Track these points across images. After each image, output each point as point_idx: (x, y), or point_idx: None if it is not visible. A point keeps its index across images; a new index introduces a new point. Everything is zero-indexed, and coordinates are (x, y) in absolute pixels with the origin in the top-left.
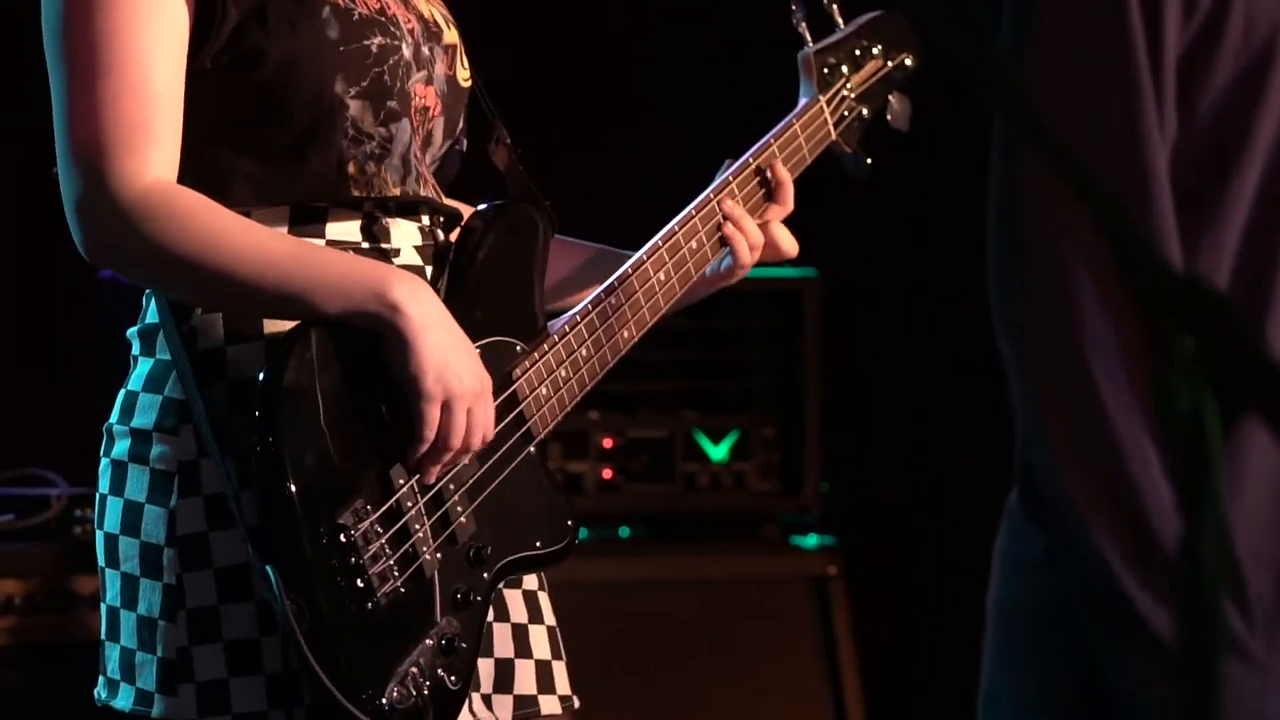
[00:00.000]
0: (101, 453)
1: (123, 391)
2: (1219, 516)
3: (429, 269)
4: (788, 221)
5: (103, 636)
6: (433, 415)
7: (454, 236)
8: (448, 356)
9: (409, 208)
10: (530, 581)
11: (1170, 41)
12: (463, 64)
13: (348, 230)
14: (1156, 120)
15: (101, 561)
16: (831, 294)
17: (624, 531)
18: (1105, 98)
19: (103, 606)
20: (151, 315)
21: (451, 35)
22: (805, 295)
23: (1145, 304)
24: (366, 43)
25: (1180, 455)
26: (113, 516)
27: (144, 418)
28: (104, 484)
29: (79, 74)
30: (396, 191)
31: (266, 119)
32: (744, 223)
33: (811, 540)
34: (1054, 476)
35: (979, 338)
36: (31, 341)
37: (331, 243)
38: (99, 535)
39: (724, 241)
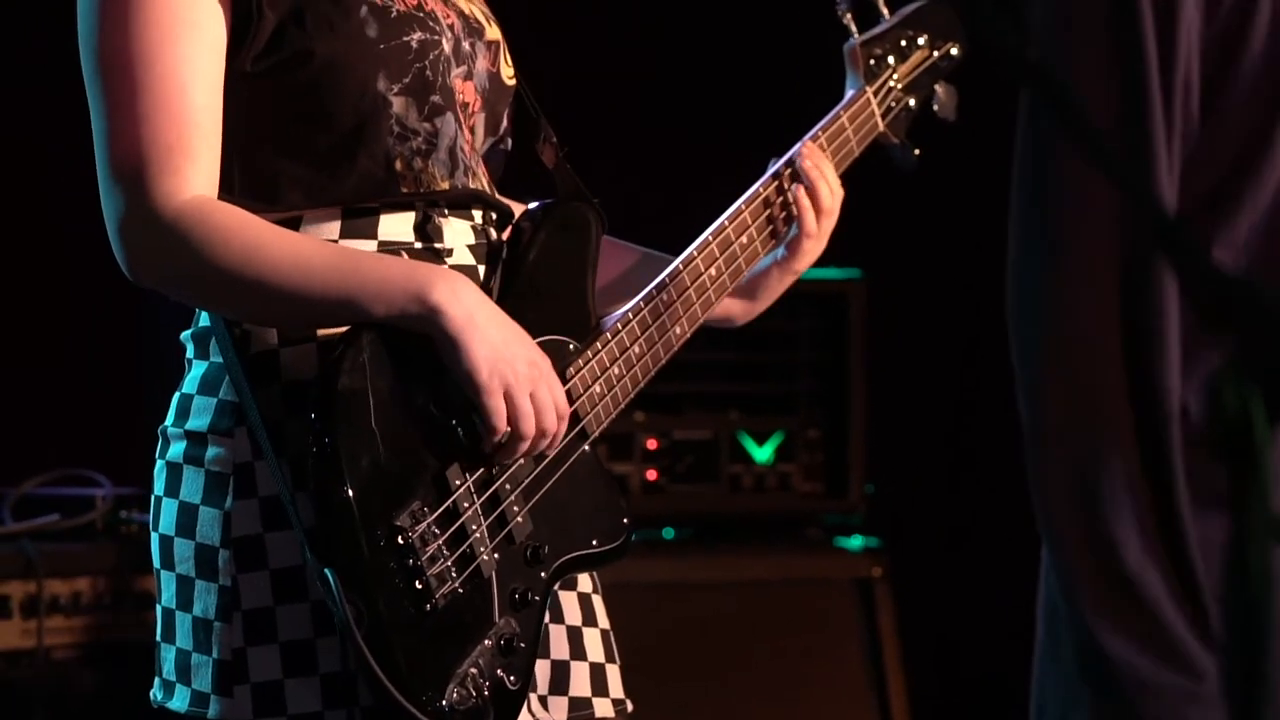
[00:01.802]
0: (156, 455)
1: (177, 394)
2: (1266, 516)
3: (482, 268)
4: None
5: (158, 638)
6: (497, 406)
7: (506, 235)
8: (498, 348)
9: (461, 204)
10: (584, 584)
11: (1183, 45)
12: (506, 61)
13: (401, 230)
14: (1164, 119)
15: (157, 563)
16: (876, 295)
17: (669, 533)
18: (1112, 94)
19: (158, 608)
20: (204, 319)
21: (494, 32)
22: (850, 296)
23: (1194, 304)
24: (406, 38)
25: (1227, 455)
26: (168, 518)
27: (199, 420)
28: (159, 486)
29: (116, 92)
30: (445, 185)
31: (310, 120)
32: (825, 179)
33: (856, 542)
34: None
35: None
36: (74, 343)
37: (384, 244)
38: (154, 537)
39: (774, 235)
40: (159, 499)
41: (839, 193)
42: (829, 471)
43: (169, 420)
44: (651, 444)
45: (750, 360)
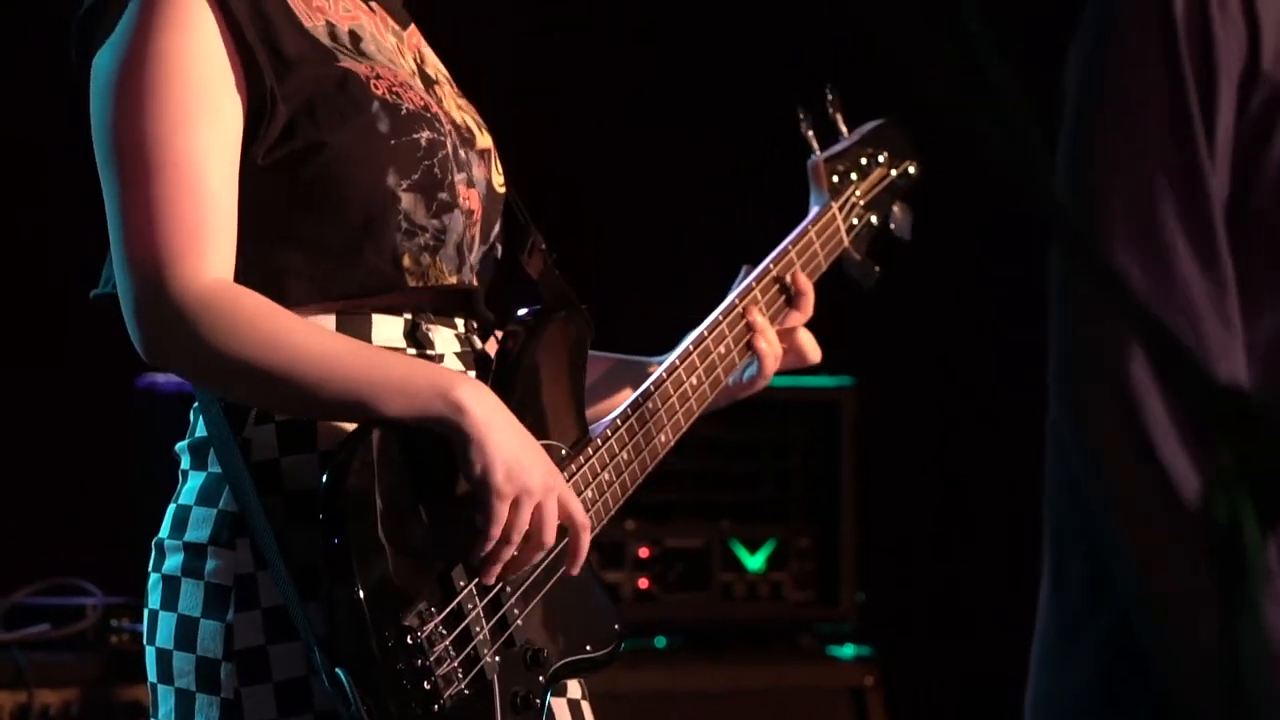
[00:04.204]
0: (150, 568)
1: (173, 506)
2: (1258, 626)
3: (471, 374)
4: (821, 329)
5: None
6: (502, 512)
7: (490, 345)
8: (517, 454)
9: (445, 311)
10: (574, 690)
11: (1222, 135)
12: (497, 169)
13: (392, 335)
14: (1220, 215)
15: (153, 677)
16: (867, 404)
17: (660, 642)
18: (1165, 173)
19: None
20: (202, 429)
21: (485, 140)
22: (841, 405)
23: (1187, 412)
24: (416, 136)
25: (1217, 564)
26: (165, 631)
27: (197, 532)
28: (154, 599)
29: (132, 177)
30: (453, 280)
31: (320, 214)
32: (769, 334)
33: (848, 650)
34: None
35: (1015, 447)
36: (65, 451)
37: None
38: (150, 651)
39: (751, 348)
40: (155, 612)
41: (780, 353)
42: (821, 580)
43: (165, 532)
44: (643, 552)
45: (742, 468)
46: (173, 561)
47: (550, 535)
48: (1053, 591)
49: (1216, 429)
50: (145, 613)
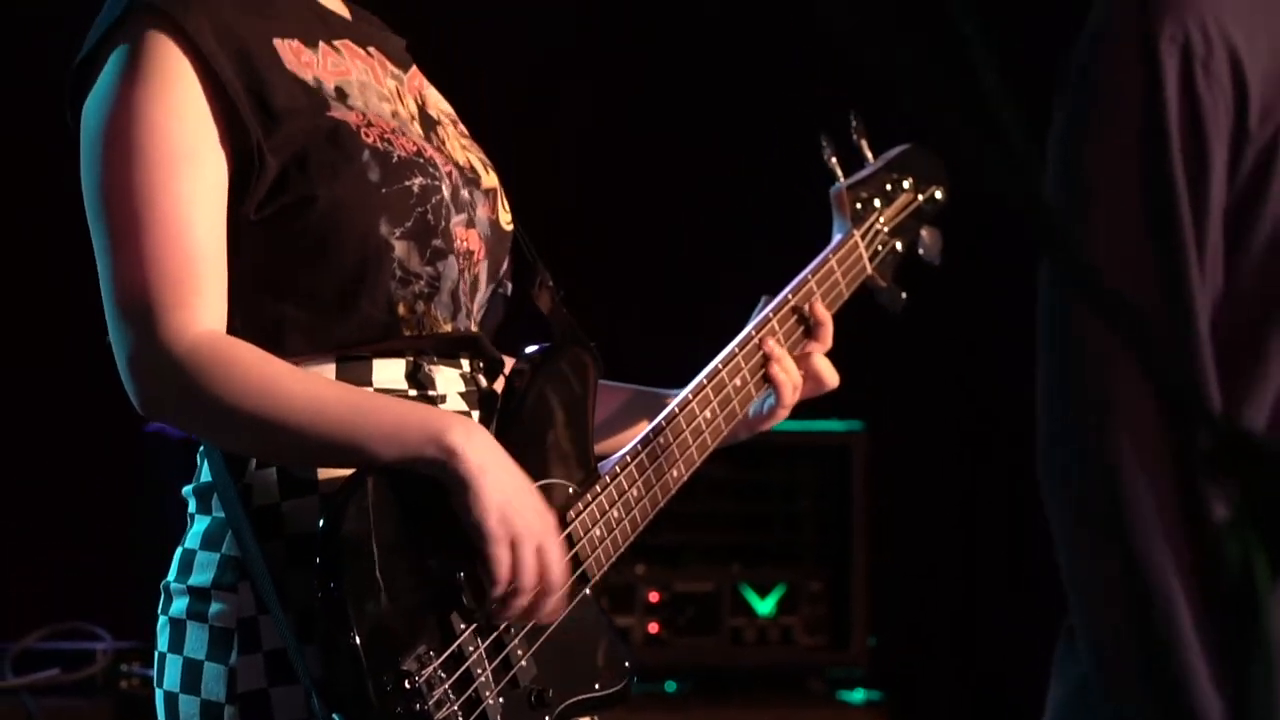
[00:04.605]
0: (159, 610)
1: (180, 549)
2: (1269, 667)
3: (475, 414)
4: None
5: None
6: (502, 556)
7: (498, 383)
8: (509, 497)
9: (450, 352)
10: None
11: (1216, 195)
12: (504, 207)
13: (393, 377)
14: (1199, 274)
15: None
16: (878, 447)
17: (671, 686)
18: (1147, 250)
19: None
20: (206, 474)
21: (490, 180)
22: (852, 448)
23: (1194, 454)
24: (408, 183)
25: (1229, 605)
26: (172, 674)
27: (202, 575)
28: (162, 642)
29: (121, 231)
30: (449, 328)
31: (313, 265)
32: (786, 362)
33: (859, 695)
34: (1090, 635)
35: (1027, 492)
36: (75, 496)
37: (379, 390)
38: (159, 694)
39: (768, 379)
40: (163, 655)
41: (800, 382)
42: (831, 624)
43: (171, 576)
44: (653, 596)
45: (752, 512)
46: (178, 605)
47: (554, 577)
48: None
49: (1223, 469)
50: (155, 655)
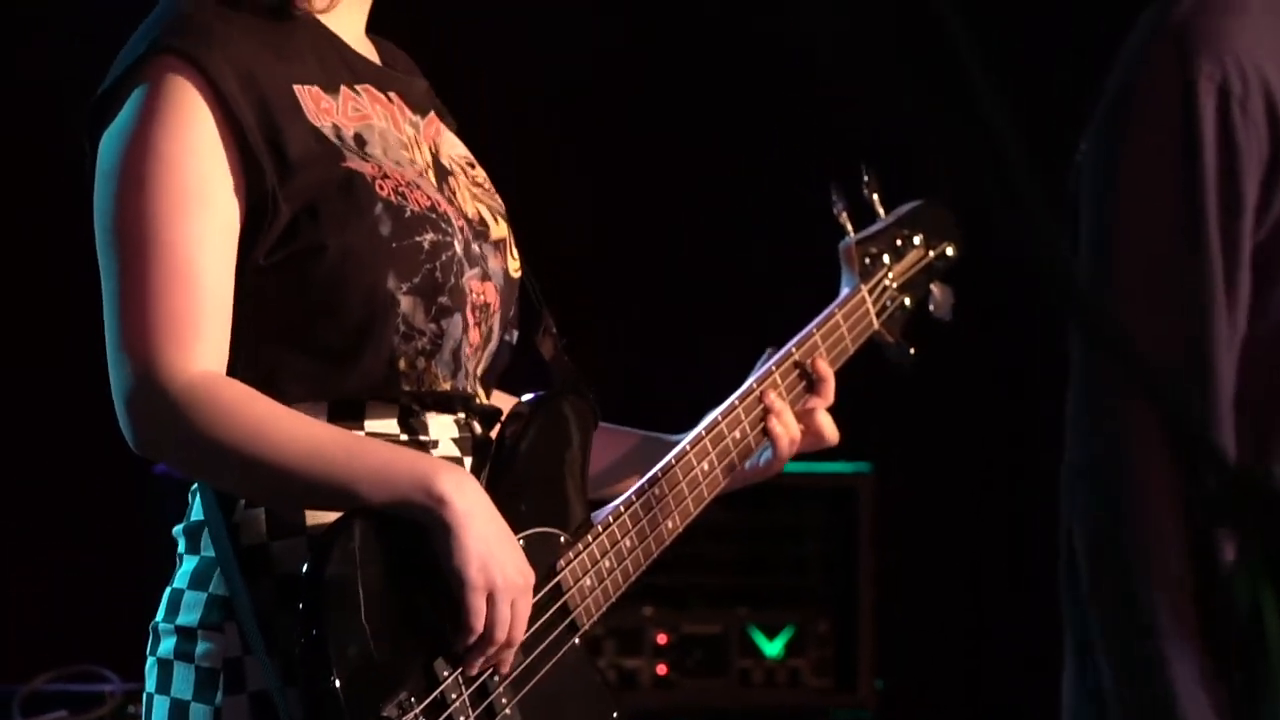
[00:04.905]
0: (148, 651)
1: (168, 589)
2: (1278, 710)
3: (468, 460)
4: (840, 414)
5: None
6: (478, 606)
7: (494, 431)
8: (492, 548)
9: (445, 404)
10: None
11: (1246, 236)
12: (512, 255)
13: (385, 424)
14: (1226, 319)
15: None
16: (886, 489)
17: None
18: (1176, 292)
19: None
20: (196, 513)
21: (500, 230)
22: (859, 490)
23: (1209, 501)
24: (419, 239)
25: (1240, 649)
26: (159, 715)
27: (189, 615)
28: (150, 682)
29: (127, 267)
30: (447, 386)
31: (319, 315)
32: (786, 416)
33: None
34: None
35: (1033, 533)
36: (84, 537)
37: (370, 434)
38: None
39: (767, 433)
40: (150, 696)
41: (798, 437)
42: (839, 666)
43: (160, 616)
44: (661, 638)
45: (760, 553)
46: (166, 645)
47: (520, 632)
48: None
49: (1231, 512)
50: (143, 697)
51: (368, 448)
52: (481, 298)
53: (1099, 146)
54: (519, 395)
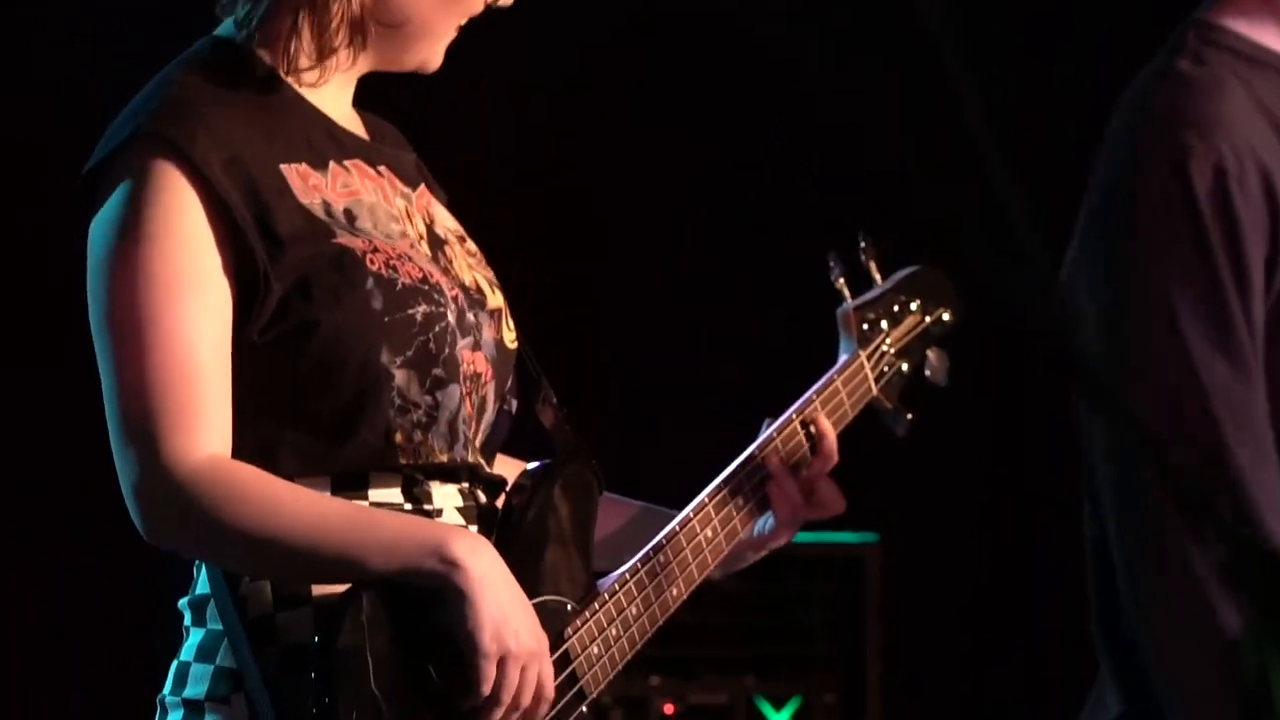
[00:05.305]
0: None
1: (175, 662)
2: None
3: (473, 529)
4: (847, 484)
5: None
6: (489, 672)
7: (499, 500)
8: (506, 613)
9: (449, 474)
10: None
11: (1257, 313)
12: (508, 326)
13: (389, 494)
14: (1262, 388)
15: None
16: (893, 559)
17: None
18: (1214, 367)
19: None
20: (202, 586)
21: (496, 299)
22: (867, 560)
23: (1215, 568)
24: (411, 311)
25: (1247, 715)
26: None
27: (196, 688)
28: None
29: (124, 354)
30: (444, 459)
31: (313, 390)
32: (787, 482)
33: None
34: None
35: (1041, 603)
36: (90, 610)
37: (375, 504)
38: None
39: (768, 499)
40: None
41: (801, 502)
42: None
43: (166, 689)
44: (668, 708)
45: (767, 623)
46: (173, 718)
47: (529, 698)
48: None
49: (1246, 584)
50: None
51: (376, 520)
52: (472, 367)
53: (1101, 242)
54: (526, 460)
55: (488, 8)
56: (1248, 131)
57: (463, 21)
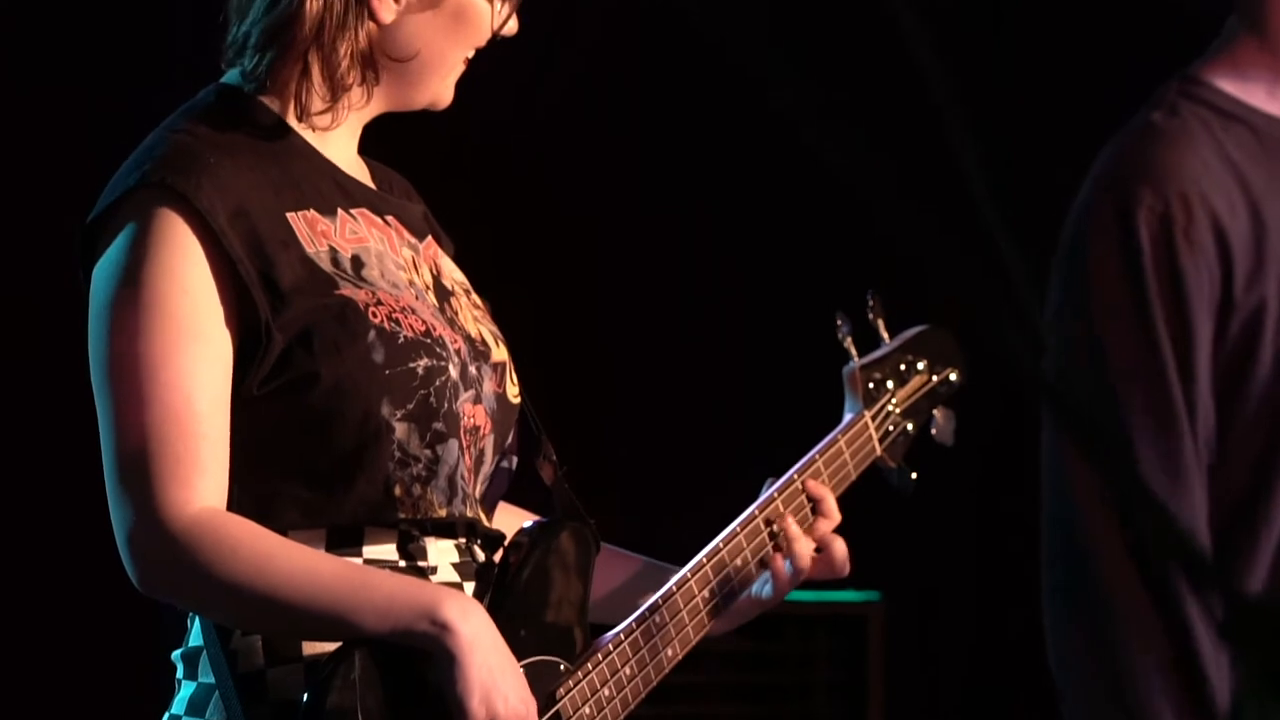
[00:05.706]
0: None
1: (166, 715)
2: None
3: (468, 585)
4: (849, 543)
5: None
6: None
7: (496, 556)
8: (495, 677)
9: (446, 529)
10: None
11: (1202, 363)
12: (512, 381)
13: (384, 550)
14: (1192, 439)
15: None
16: (895, 618)
17: None
18: (1145, 420)
19: None
20: (195, 638)
21: (500, 353)
22: (868, 619)
23: (1210, 620)
24: (412, 365)
25: None
26: None
27: None
28: None
29: (123, 404)
30: (443, 513)
31: (313, 443)
32: (787, 544)
33: None
34: None
35: (1043, 663)
36: (88, 663)
37: (369, 561)
38: None
39: (767, 559)
40: None
41: (806, 564)
42: None
43: None
44: None
45: (768, 682)
46: None
47: None
48: None
49: (1237, 638)
50: None
51: (370, 580)
52: (472, 420)
53: (1058, 291)
54: (528, 509)
55: (494, 37)
56: (1205, 183)
57: (470, 53)
